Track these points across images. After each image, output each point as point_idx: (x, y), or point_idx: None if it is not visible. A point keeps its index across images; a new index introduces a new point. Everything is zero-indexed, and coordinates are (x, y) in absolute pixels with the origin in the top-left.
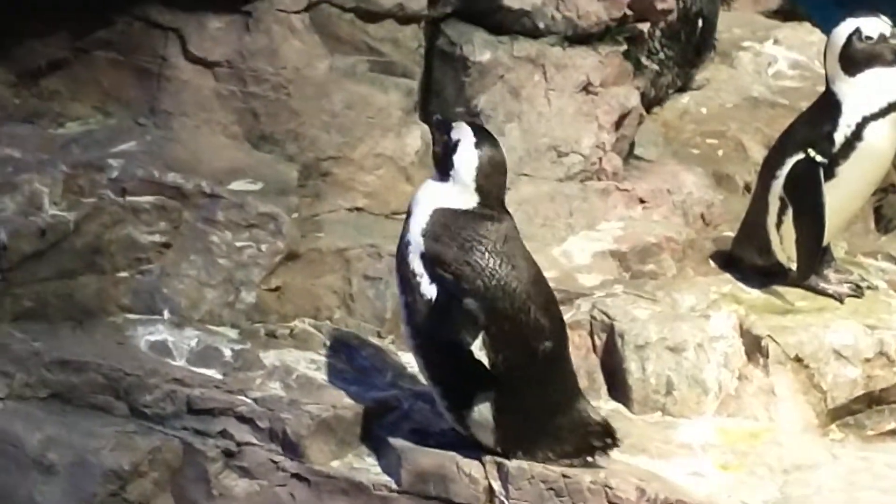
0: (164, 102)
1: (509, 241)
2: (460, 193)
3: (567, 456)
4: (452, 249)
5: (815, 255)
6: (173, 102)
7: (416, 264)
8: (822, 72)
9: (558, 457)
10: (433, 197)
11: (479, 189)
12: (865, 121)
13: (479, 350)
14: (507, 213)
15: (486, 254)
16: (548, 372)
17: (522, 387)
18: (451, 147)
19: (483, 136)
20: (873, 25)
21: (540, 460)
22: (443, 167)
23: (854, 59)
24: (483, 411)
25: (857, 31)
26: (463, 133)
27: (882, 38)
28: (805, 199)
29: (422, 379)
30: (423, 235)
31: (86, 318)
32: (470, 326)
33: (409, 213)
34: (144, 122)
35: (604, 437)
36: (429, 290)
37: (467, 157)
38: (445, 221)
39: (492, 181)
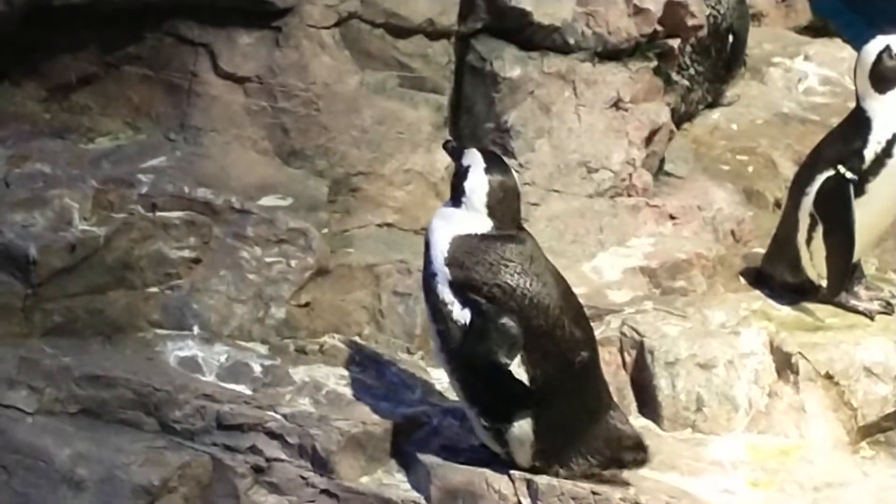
0: (195, 118)
1: (535, 260)
2: (474, 219)
3: (600, 468)
4: (480, 274)
5: (845, 271)
6: (203, 118)
7: (446, 293)
8: (853, 88)
9: (591, 469)
10: (449, 224)
11: (491, 213)
12: (895, 138)
13: (517, 368)
14: (526, 231)
15: (515, 274)
16: (584, 383)
17: (560, 399)
18: (462, 173)
19: (493, 162)
20: None
21: (575, 473)
22: (455, 193)
23: (884, 77)
24: (523, 427)
25: (888, 48)
26: (473, 159)
27: None
28: (835, 215)
29: (451, 395)
30: (448, 264)
31: (115, 334)
32: (508, 346)
33: (427, 244)
34: (174, 138)
35: (636, 451)
36: (462, 315)
37: (478, 183)
38: (467, 247)
39: (504, 205)
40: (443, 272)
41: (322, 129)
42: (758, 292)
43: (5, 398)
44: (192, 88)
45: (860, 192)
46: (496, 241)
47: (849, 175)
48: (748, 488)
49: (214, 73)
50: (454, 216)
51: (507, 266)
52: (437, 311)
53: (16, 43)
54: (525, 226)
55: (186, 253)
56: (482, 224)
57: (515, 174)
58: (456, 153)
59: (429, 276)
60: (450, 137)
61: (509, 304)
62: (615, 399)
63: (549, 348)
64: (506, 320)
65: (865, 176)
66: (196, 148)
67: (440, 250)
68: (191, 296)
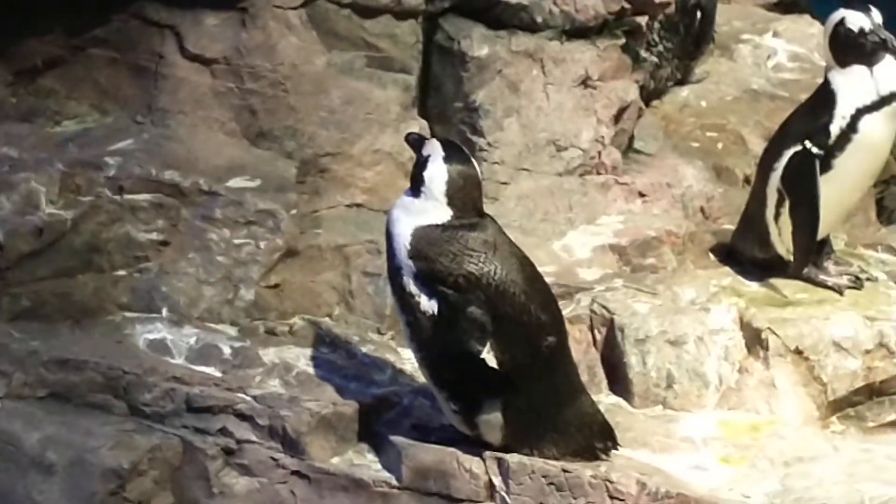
0: (162, 100)
1: (499, 247)
2: (434, 208)
3: (570, 455)
4: (445, 265)
5: (810, 247)
6: (170, 100)
7: (412, 286)
8: (822, 64)
9: (562, 454)
10: (409, 215)
11: (451, 203)
12: (859, 113)
13: (486, 354)
14: (489, 218)
15: (479, 263)
16: (553, 366)
17: (529, 384)
18: (422, 163)
19: (453, 151)
20: (857, 18)
21: (545, 457)
22: (414, 183)
23: (843, 49)
24: (493, 411)
25: (843, 21)
26: (433, 149)
27: (862, 32)
28: (801, 191)
29: (421, 376)
30: (412, 257)
31: (84, 317)
32: (478, 334)
33: (389, 235)
34: (142, 120)
35: (605, 438)
36: (429, 306)
37: (437, 173)
38: (430, 239)
39: (463, 194)
40: (407, 265)
41: (290, 110)
42: (727, 269)
43: None
44: (158, 71)
45: (827, 167)
46: (458, 230)
47: (815, 150)
48: (719, 464)
49: (181, 54)
50: (414, 206)
51: (470, 255)
52: (404, 303)
53: None
54: (495, 205)
55: (154, 235)
56: (442, 214)
57: (482, 155)
58: (416, 144)
59: (393, 270)
60: (418, 117)
61: (475, 292)
62: (586, 377)
63: (517, 334)
64: (473, 309)
65: (832, 151)
66: (163, 130)
67: (403, 243)
68: (159, 278)
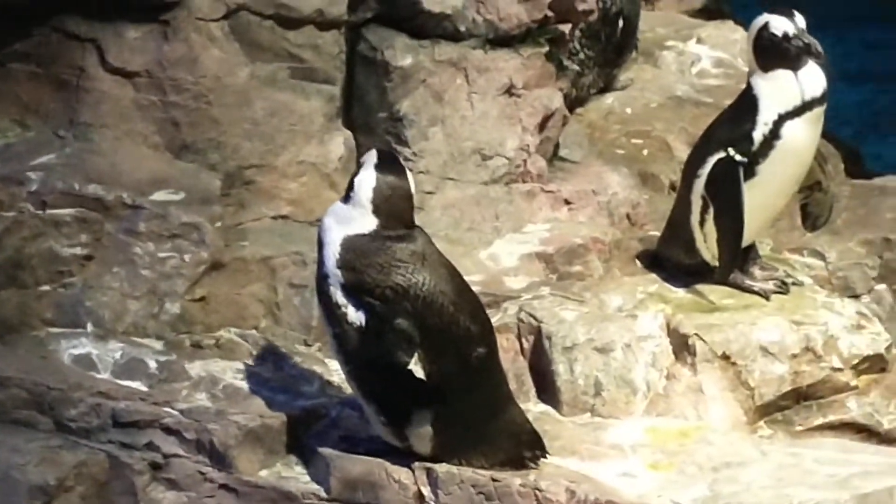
0: (84, 114)
1: (427, 258)
2: (361, 216)
3: (499, 465)
4: (372, 276)
5: (735, 253)
6: (93, 114)
7: (339, 296)
8: (746, 69)
9: (490, 464)
10: (339, 223)
11: (376, 211)
12: (782, 118)
13: (414, 366)
14: (418, 230)
15: (407, 275)
16: (481, 377)
17: (458, 395)
18: (357, 170)
19: (387, 161)
20: (781, 23)
21: (475, 467)
22: (347, 189)
23: (765, 54)
24: (422, 423)
25: (766, 25)
26: (369, 157)
27: (786, 36)
28: (725, 197)
29: (349, 388)
30: (340, 267)
31: (8, 333)
32: (405, 346)
33: (319, 243)
34: (64, 135)
35: (533, 447)
36: (356, 317)
37: (366, 180)
38: (358, 249)
39: (390, 204)
40: (335, 275)
41: (213, 123)
42: (654, 275)
43: None
44: (80, 84)
45: (751, 173)
46: (386, 241)
47: (738, 157)
48: (648, 471)
49: (103, 68)
50: (343, 212)
51: (398, 267)
52: (331, 314)
53: None
54: (420, 214)
55: (78, 250)
56: (368, 222)
57: (408, 164)
58: (362, 152)
59: (321, 278)
60: (342, 128)
61: (402, 304)
62: (514, 386)
63: (445, 345)
64: (400, 321)
65: (755, 158)
66: (86, 144)
67: (332, 252)
68: (84, 293)
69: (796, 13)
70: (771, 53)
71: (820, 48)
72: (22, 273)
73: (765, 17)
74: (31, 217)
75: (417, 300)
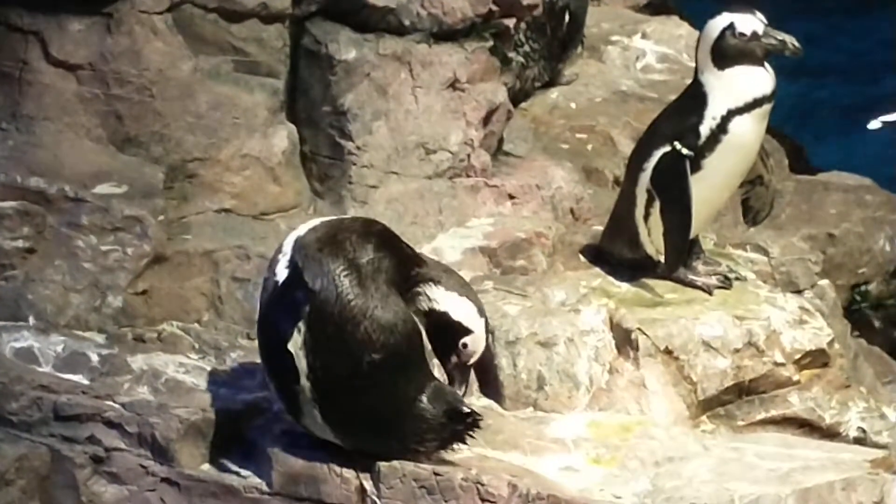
0: (26, 107)
1: (356, 250)
2: None
3: (438, 447)
4: (303, 250)
5: (682, 247)
6: (35, 106)
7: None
8: (691, 65)
9: (428, 451)
10: None
11: None
12: (731, 114)
13: (297, 348)
14: (379, 224)
15: (323, 257)
16: (374, 382)
17: (346, 395)
18: None
19: None
20: (747, 22)
21: (407, 460)
22: None
23: (725, 54)
24: (313, 415)
25: (731, 25)
26: None
27: (755, 35)
28: (672, 191)
29: None
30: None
31: None
32: (291, 316)
33: None
34: (6, 127)
35: (464, 418)
36: (282, 273)
37: None
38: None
39: None
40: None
41: (156, 116)
42: (597, 269)
43: None
44: (23, 77)
45: (696, 167)
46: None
47: (685, 151)
48: (590, 465)
49: (46, 60)
50: None
51: (343, 247)
52: (270, 264)
53: None
54: (364, 208)
55: (20, 243)
56: None
57: (351, 158)
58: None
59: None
60: (286, 121)
61: (315, 278)
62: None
63: (333, 343)
64: (301, 292)
65: (701, 152)
66: (28, 137)
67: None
68: (25, 286)
69: (756, 11)
70: (732, 52)
71: (797, 43)
72: None
73: (728, 17)
74: None
75: (328, 281)
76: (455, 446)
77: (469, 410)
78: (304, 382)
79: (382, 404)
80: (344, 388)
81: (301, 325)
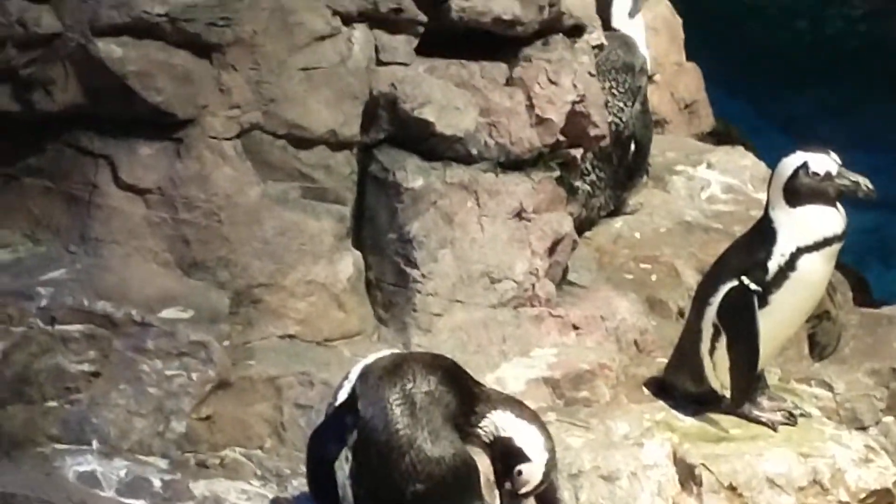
0: (95, 230)
1: (411, 383)
2: None
3: None
4: (382, 372)
5: (749, 382)
6: (104, 230)
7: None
8: (757, 196)
9: None
10: None
11: None
12: (800, 252)
13: (343, 473)
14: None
15: (397, 389)
16: None
17: None
18: None
19: None
20: (822, 162)
21: None
22: None
23: (797, 192)
24: None
25: (805, 165)
26: None
27: (828, 175)
28: (739, 326)
29: None
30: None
31: (13, 449)
32: (339, 441)
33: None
34: (74, 250)
35: None
36: (340, 398)
37: None
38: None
39: None
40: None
41: (223, 241)
42: (661, 403)
43: None
44: (92, 200)
45: (763, 303)
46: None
47: (752, 286)
48: None
49: (115, 184)
50: None
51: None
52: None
53: None
54: (427, 336)
55: (86, 366)
56: None
57: (416, 286)
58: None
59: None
60: (352, 248)
61: (366, 407)
62: None
63: (379, 471)
64: (350, 417)
65: (769, 288)
66: (96, 260)
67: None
68: (90, 409)
69: (831, 151)
70: (805, 191)
71: (871, 185)
72: (29, 388)
73: (802, 156)
74: (39, 332)
75: (378, 410)
76: None
77: None
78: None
79: None
80: None
81: (348, 450)
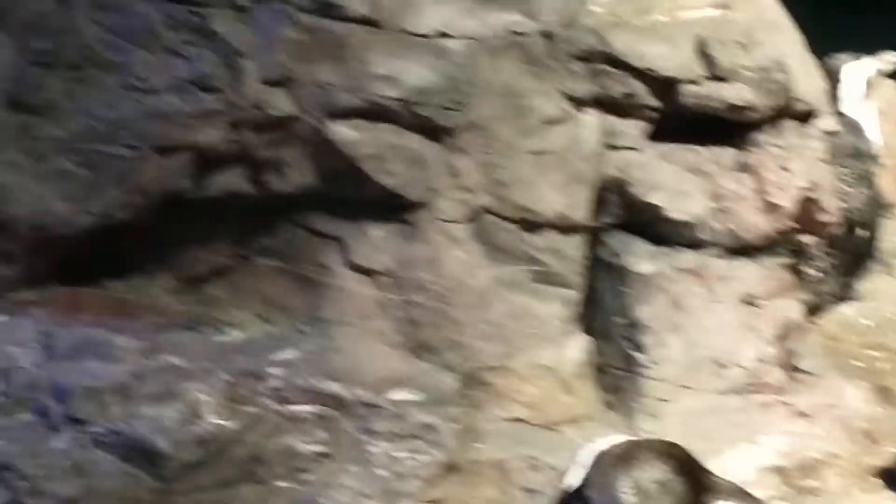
0: (326, 310)
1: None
2: None
3: None
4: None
5: None
6: (334, 310)
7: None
8: None
9: None
10: None
11: None
12: None
13: None
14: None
15: (628, 477)
16: None
17: None
18: None
19: None
20: None
21: None
22: None
23: None
24: None
25: None
26: None
27: None
28: None
29: None
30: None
31: None
32: None
33: None
34: (305, 330)
35: None
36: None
37: None
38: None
39: None
40: None
41: (453, 323)
42: (891, 493)
43: None
44: (323, 281)
45: None
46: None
47: None
48: None
49: (346, 265)
50: None
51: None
52: None
53: (150, 234)
54: (654, 422)
55: (316, 447)
56: None
57: (642, 371)
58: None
59: None
60: (580, 332)
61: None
62: None
63: None
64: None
65: None
66: (326, 341)
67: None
68: (320, 491)
69: None
70: None
71: None
72: (260, 468)
73: None
74: (271, 413)
75: (599, 498)
76: None
77: None
78: None
79: None
80: None
81: None
